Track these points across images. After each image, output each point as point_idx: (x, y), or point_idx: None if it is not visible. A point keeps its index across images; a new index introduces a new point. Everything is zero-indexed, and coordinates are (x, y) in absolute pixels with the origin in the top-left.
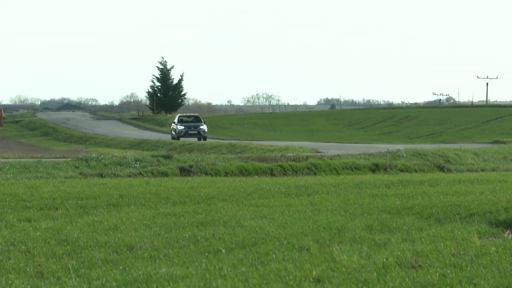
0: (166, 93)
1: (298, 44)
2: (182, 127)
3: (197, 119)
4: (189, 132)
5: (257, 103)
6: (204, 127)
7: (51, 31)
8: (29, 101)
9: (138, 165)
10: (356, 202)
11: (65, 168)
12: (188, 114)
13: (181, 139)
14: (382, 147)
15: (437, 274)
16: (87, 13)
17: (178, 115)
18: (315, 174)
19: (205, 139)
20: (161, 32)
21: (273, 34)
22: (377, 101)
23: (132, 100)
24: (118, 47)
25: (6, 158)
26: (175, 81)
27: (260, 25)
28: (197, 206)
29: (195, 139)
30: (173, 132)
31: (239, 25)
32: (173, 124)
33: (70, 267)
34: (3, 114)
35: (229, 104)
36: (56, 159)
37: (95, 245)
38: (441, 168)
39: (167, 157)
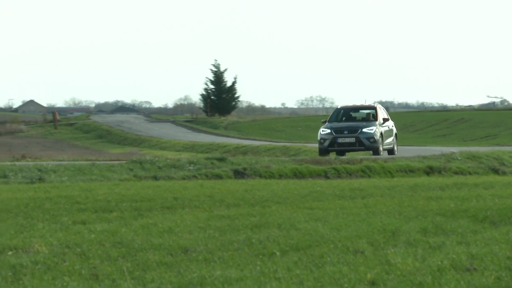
0: (220, 96)
1: (352, 46)
2: (327, 131)
3: (370, 115)
4: (339, 140)
5: (311, 106)
6: (371, 129)
7: (105, 34)
8: (83, 104)
9: (192, 167)
10: (410, 204)
11: (120, 170)
12: (356, 105)
13: (334, 155)
14: (436, 149)
15: (492, 277)
16: (142, 16)
17: (339, 107)
18: (369, 176)
19: (376, 151)
20: (215, 34)
21: (326, 36)
22: (431, 104)
23: (186, 102)
24: (172, 50)
25: (60, 160)
26: (229, 84)
27: (313, 28)
28: (252, 208)
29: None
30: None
31: (293, 28)
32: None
33: (125, 269)
34: (58, 117)
35: (282, 107)
36: (111, 162)
37: (150, 247)
38: (496, 171)
39: (221, 159)
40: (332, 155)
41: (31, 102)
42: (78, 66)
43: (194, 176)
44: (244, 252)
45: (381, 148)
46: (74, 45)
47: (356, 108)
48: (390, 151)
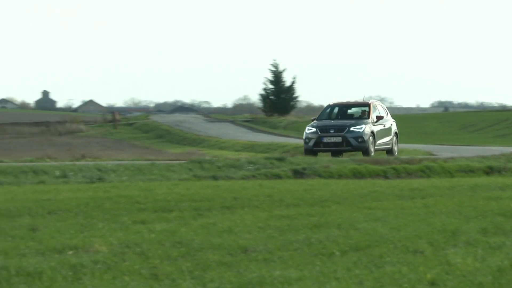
0: (279, 96)
1: (410, 46)
2: (312, 130)
3: (366, 113)
4: (324, 140)
5: None
6: (359, 128)
7: (165, 34)
8: (143, 104)
9: (251, 167)
10: (470, 204)
11: (179, 170)
12: (349, 101)
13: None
14: (496, 149)
15: None
16: (202, 16)
17: (331, 103)
18: (429, 176)
19: (365, 151)
20: (274, 34)
21: (384, 36)
22: (491, 104)
23: (245, 102)
24: (232, 50)
25: (120, 160)
26: (288, 84)
27: (372, 28)
28: (311, 208)
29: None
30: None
31: (351, 28)
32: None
33: (184, 269)
34: (119, 117)
35: None
36: (170, 162)
37: (210, 247)
38: None
39: (281, 159)
40: (326, 155)
41: (91, 102)
42: (138, 66)
43: (253, 176)
44: (304, 252)
45: (371, 149)
46: (133, 45)
47: (348, 105)
48: (389, 152)
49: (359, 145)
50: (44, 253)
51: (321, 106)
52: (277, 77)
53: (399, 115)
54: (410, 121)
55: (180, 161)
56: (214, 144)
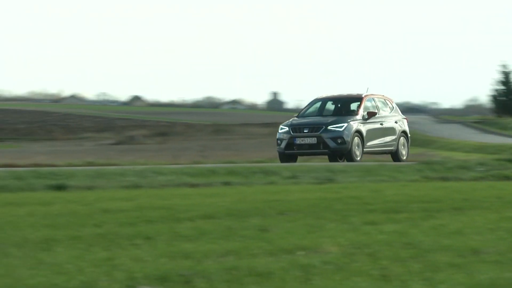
0: (509, 97)
1: None
2: (285, 130)
3: (351, 109)
4: (297, 141)
5: None
6: (339, 127)
7: (380, 36)
8: None
9: (481, 168)
10: None
11: (408, 171)
12: (341, 94)
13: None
14: None
15: None
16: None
17: (318, 97)
18: None
19: (348, 155)
20: (503, 34)
21: None
22: None
23: (475, 103)
24: (460, 50)
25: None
26: None
27: None
28: None
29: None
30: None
31: None
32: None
33: (414, 270)
34: None
35: None
36: (399, 163)
37: (439, 248)
38: None
39: (511, 160)
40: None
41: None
42: (365, 65)
43: (483, 177)
44: None
45: (356, 151)
46: (356, 45)
47: (339, 99)
48: (393, 155)
49: (338, 147)
50: (274, 254)
51: None
52: (506, 77)
53: None
54: None
55: (409, 163)
56: (443, 146)
